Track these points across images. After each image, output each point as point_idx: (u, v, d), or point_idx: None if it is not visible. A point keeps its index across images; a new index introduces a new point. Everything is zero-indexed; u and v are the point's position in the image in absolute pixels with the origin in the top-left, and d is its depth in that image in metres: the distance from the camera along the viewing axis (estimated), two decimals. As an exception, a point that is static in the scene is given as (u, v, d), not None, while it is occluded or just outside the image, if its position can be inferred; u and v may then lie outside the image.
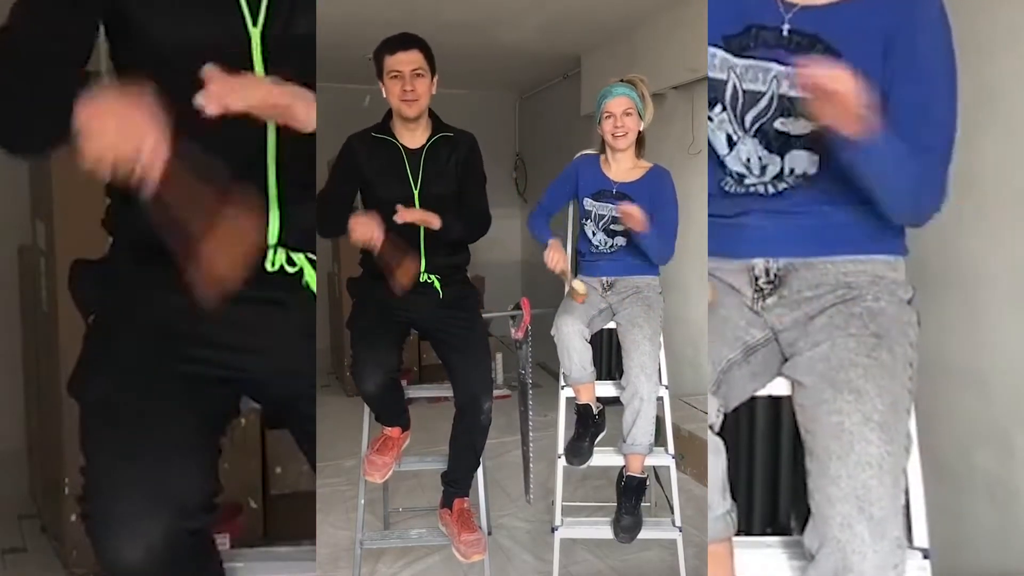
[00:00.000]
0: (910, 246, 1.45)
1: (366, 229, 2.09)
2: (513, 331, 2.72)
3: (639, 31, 4.32)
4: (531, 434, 2.83)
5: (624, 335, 2.29)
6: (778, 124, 1.37)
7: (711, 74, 1.42)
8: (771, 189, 1.40)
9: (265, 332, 1.30)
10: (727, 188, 1.45)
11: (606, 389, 2.39)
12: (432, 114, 2.33)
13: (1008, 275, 2.12)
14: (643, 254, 2.38)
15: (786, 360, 1.40)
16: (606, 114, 2.34)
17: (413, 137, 2.30)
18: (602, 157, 2.46)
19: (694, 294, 3.69)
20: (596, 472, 3.15)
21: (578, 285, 2.31)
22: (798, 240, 1.39)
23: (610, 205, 2.38)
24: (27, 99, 1.07)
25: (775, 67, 1.35)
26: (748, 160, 1.41)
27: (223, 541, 2.36)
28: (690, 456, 3.28)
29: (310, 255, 1.35)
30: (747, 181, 1.42)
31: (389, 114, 2.32)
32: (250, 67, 1.23)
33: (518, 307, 2.71)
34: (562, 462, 2.38)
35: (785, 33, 1.34)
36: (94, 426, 1.20)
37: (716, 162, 1.46)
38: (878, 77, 1.30)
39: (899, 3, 1.30)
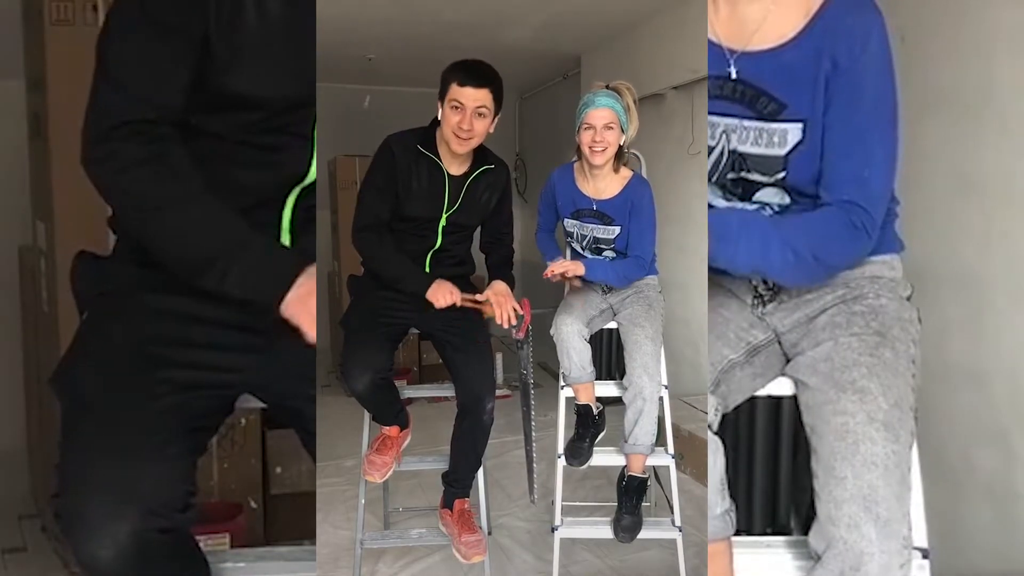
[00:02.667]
0: (910, 247, 1.45)
1: (445, 297, 2.17)
2: (513, 331, 2.72)
3: (639, 31, 4.32)
4: (533, 434, 2.82)
5: (626, 335, 2.29)
6: (731, 175, 1.35)
7: None
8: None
9: (266, 332, 1.30)
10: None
11: (607, 389, 2.39)
12: None
13: (1008, 275, 2.13)
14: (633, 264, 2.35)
15: (788, 361, 1.40)
16: (585, 125, 2.20)
17: (455, 162, 2.23)
18: (577, 166, 2.36)
19: (694, 294, 3.69)
20: (596, 472, 3.15)
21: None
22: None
23: (591, 225, 2.35)
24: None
25: (723, 121, 1.32)
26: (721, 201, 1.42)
27: (223, 541, 2.37)
28: (690, 456, 3.28)
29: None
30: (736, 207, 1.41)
31: (434, 124, 2.24)
32: (307, 121, 1.32)
33: (518, 307, 2.70)
34: (562, 462, 2.38)
35: (732, 79, 1.30)
36: (69, 423, 1.20)
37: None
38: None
39: (839, 44, 1.24)
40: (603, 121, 2.19)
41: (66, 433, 1.19)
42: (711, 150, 1.35)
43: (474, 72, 2.10)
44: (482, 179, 2.28)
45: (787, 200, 1.36)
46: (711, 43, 1.32)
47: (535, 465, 2.92)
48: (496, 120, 2.18)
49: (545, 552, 2.68)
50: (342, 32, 4.18)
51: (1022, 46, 2.06)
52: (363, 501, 2.43)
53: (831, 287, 1.38)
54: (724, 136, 1.33)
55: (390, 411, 2.37)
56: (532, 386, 2.79)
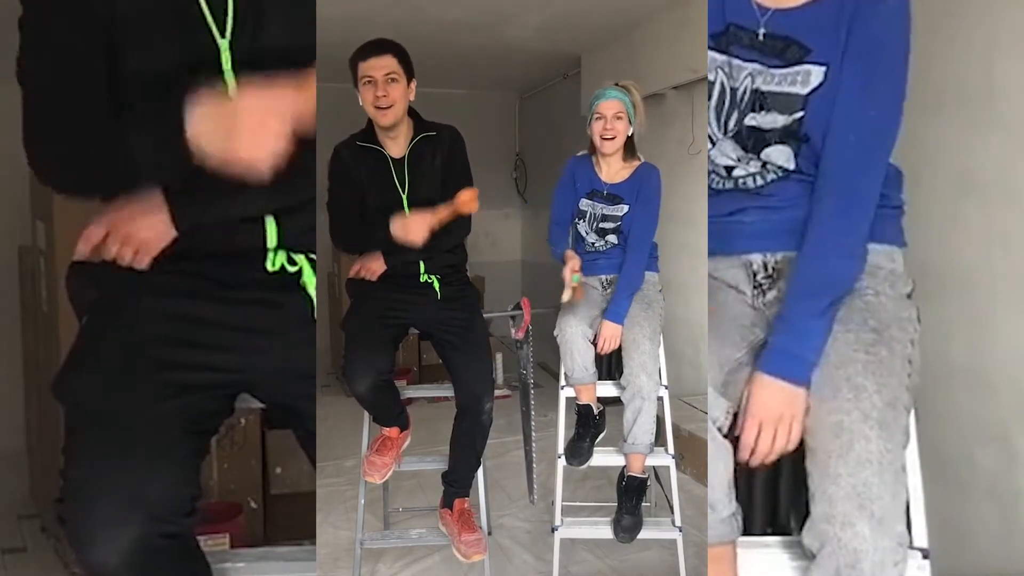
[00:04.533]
0: (912, 247, 1.45)
1: (420, 230, 2.12)
2: (513, 331, 2.72)
3: (639, 31, 4.32)
4: (533, 435, 2.83)
5: (624, 334, 2.29)
6: (748, 119, 1.37)
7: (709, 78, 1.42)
8: (759, 180, 1.40)
9: (266, 332, 1.30)
10: (716, 186, 1.45)
11: (606, 389, 2.39)
12: (413, 114, 2.31)
13: (1009, 275, 2.12)
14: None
15: None
16: (597, 115, 2.34)
17: (395, 143, 2.28)
18: (593, 158, 2.47)
19: (694, 294, 3.69)
20: (596, 472, 3.14)
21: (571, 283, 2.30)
22: (793, 233, 1.38)
23: (601, 204, 2.40)
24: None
25: (749, 66, 1.36)
26: (729, 157, 1.42)
27: (223, 541, 2.37)
28: (690, 456, 3.28)
29: (311, 255, 1.36)
30: (735, 173, 1.42)
31: (371, 120, 2.29)
32: (223, 80, 1.27)
33: (518, 307, 2.70)
34: (562, 462, 2.38)
35: (760, 37, 1.35)
36: (72, 428, 1.19)
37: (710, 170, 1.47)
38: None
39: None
40: (613, 111, 2.32)
41: (69, 439, 1.18)
42: (734, 91, 1.37)
43: (373, 45, 2.20)
44: (424, 147, 2.28)
45: (792, 164, 1.36)
46: (746, 1, 1.36)
47: (535, 465, 2.92)
48: (413, 87, 2.22)
49: (545, 552, 2.68)
50: (342, 32, 4.17)
51: (1023, 46, 2.06)
52: (363, 501, 2.43)
53: None
54: (749, 78, 1.36)
55: (391, 412, 2.37)
56: (532, 386, 2.79)
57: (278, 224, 1.32)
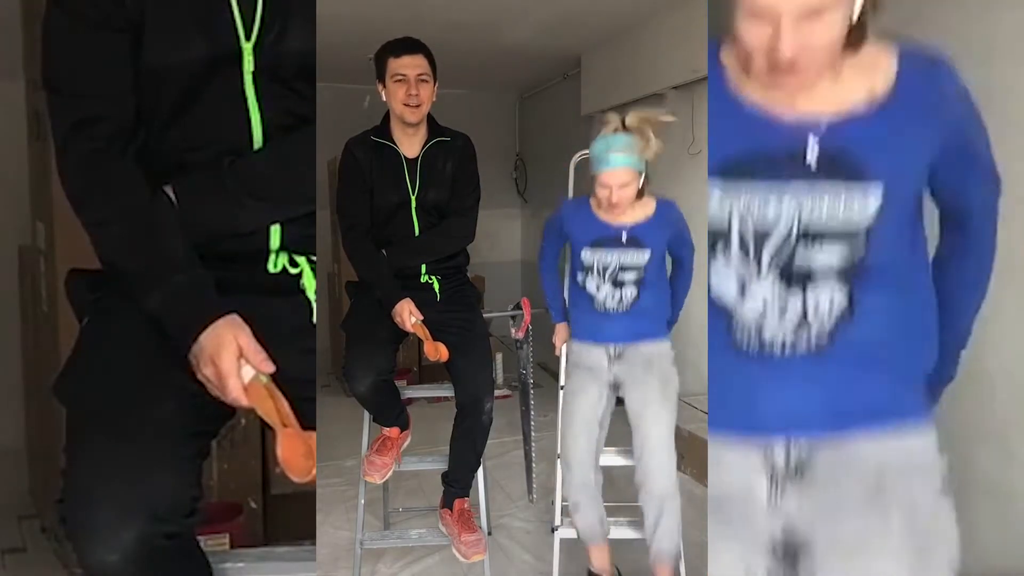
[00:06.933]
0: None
1: (403, 318, 2.19)
2: (513, 331, 2.72)
3: (639, 31, 4.32)
4: (532, 434, 2.83)
5: (637, 419, 2.12)
6: (799, 258, 1.09)
7: (710, 213, 1.11)
8: (792, 349, 1.12)
9: (265, 333, 1.30)
10: (740, 346, 1.13)
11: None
12: (429, 117, 2.33)
13: (1008, 275, 2.12)
14: (653, 312, 2.28)
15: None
16: (601, 184, 2.02)
17: (411, 143, 2.31)
18: (593, 201, 2.15)
19: (694, 296, 3.68)
20: (596, 472, 3.14)
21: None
22: (825, 412, 1.13)
23: (616, 251, 2.12)
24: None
25: (790, 186, 1.08)
26: (764, 301, 1.12)
27: (223, 541, 2.37)
28: (690, 456, 3.28)
29: (311, 257, 1.37)
30: (765, 336, 1.12)
31: (387, 117, 2.33)
32: (241, 82, 1.27)
33: (518, 307, 2.71)
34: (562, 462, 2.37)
35: (809, 159, 1.07)
36: (74, 429, 1.20)
37: (724, 318, 1.15)
38: (913, 185, 1.15)
39: (939, 108, 1.14)
40: (619, 181, 2.01)
41: (71, 439, 1.19)
42: (774, 224, 1.09)
43: (405, 43, 2.24)
44: (438, 151, 2.31)
45: (846, 304, 1.11)
46: (780, 121, 1.09)
47: (534, 464, 2.93)
48: (436, 89, 2.26)
49: (545, 552, 2.68)
50: (342, 32, 4.18)
51: (1022, 48, 2.06)
52: (363, 501, 2.43)
53: (861, 474, 1.15)
54: (795, 206, 1.08)
55: (391, 412, 2.37)
56: (532, 386, 2.79)
57: (280, 225, 1.32)
